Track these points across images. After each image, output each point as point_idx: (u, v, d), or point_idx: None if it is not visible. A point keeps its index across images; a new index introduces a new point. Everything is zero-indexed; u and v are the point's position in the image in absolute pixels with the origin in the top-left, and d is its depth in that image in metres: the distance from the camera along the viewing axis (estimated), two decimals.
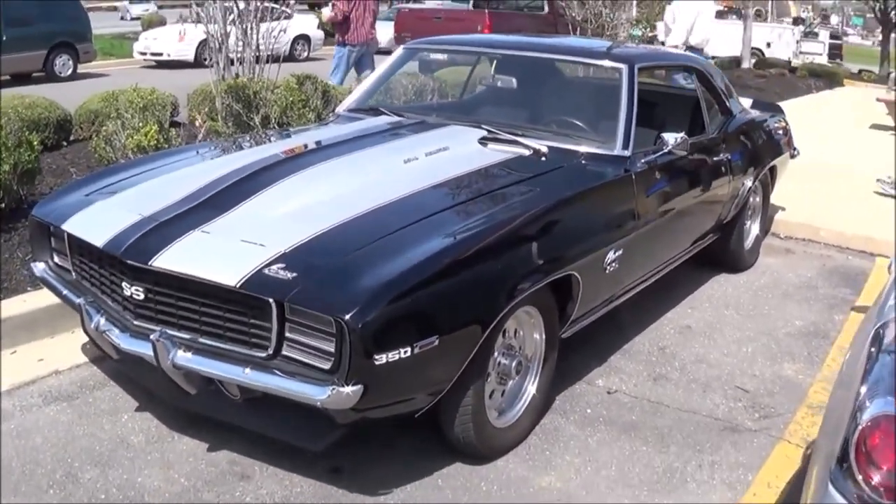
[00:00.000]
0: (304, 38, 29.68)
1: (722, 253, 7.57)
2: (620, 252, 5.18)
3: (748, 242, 7.89)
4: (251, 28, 10.70)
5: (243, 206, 4.55)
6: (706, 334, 6.36)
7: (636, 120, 5.77)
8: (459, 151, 5.54)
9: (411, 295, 3.84)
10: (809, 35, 41.55)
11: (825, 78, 25.63)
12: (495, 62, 6.99)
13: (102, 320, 4.47)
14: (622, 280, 5.49)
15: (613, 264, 5.14)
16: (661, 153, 5.69)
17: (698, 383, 5.57)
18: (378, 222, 4.38)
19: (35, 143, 7.22)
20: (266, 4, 11.15)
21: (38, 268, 5.23)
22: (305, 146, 5.73)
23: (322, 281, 3.85)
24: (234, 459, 4.50)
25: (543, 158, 5.49)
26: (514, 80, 6.78)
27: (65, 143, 9.64)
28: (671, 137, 5.66)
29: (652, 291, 6.52)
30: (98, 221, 4.67)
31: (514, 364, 4.57)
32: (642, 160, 5.62)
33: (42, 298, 5.86)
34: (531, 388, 4.80)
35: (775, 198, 8.69)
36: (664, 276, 6.54)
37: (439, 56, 9.22)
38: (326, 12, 14.14)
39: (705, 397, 5.39)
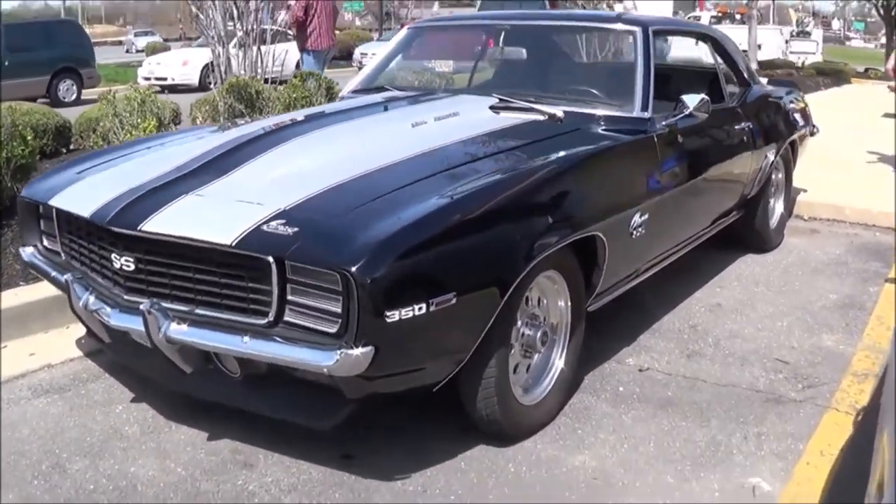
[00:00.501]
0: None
1: (747, 232, 7.25)
2: (646, 217, 4.85)
3: (773, 221, 7.57)
4: (251, 48, 10.50)
5: (240, 170, 4.22)
6: (738, 311, 6.02)
7: (653, 88, 5.42)
8: (471, 117, 5.22)
9: (424, 247, 3.48)
10: (801, 35, 41.29)
11: (832, 76, 25.44)
12: (503, 34, 6.64)
13: (91, 298, 4.13)
14: (649, 249, 5.16)
15: (640, 229, 4.80)
16: (681, 116, 5.35)
17: (735, 357, 5.23)
18: (386, 179, 4.04)
19: (29, 137, 6.93)
20: (266, 27, 10.90)
21: (27, 252, 4.91)
22: (307, 116, 5.40)
23: (326, 234, 3.49)
24: (237, 448, 4.15)
25: (559, 122, 5.15)
26: (523, 51, 6.47)
27: (64, 151, 9.33)
28: (691, 99, 5.33)
29: (678, 272, 6.27)
30: (86, 194, 4.34)
31: (538, 335, 4.21)
32: (663, 122, 5.28)
33: (35, 292, 5.61)
34: (559, 363, 4.44)
35: (797, 181, 8.38)
36: (690, 256, 6.28)
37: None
38: (283, 16, 13.75)
39: (743, 370, 5.05)
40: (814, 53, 36.14)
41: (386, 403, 3.98)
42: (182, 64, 26.46)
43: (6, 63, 21.93)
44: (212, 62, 11.05)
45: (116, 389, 4.77)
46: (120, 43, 73.81)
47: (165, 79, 26.25)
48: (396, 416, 4.35)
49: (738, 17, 39.86)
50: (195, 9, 10.86)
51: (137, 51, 55.26)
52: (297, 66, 27.33)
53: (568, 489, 3.85)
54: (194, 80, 25.72)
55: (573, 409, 4.55)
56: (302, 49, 13.70)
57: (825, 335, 5.61)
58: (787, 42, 36.98)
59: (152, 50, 39.82)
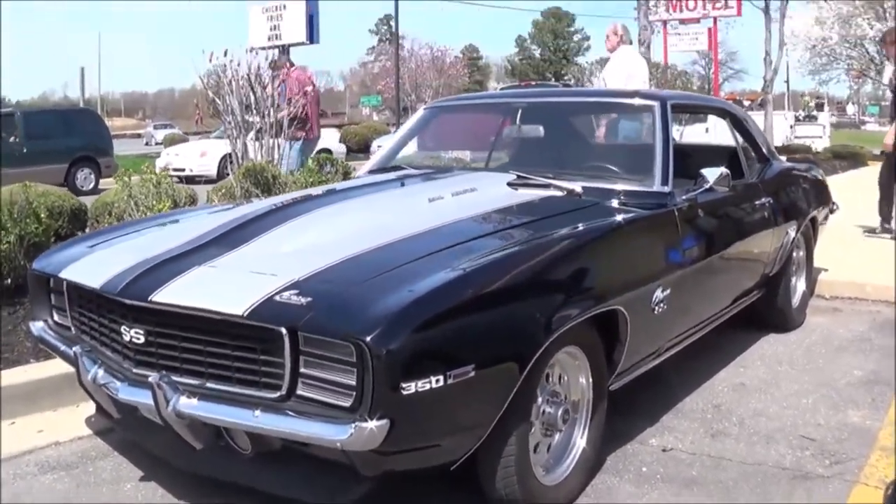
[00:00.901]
0: (326, 152, 29.61)
1: (769, 311, 7.12)
2: (668, 292, 4.74)
3: (795, 300, 7.43)
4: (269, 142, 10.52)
5: (253, 243, 4.16)
6: (762, 390, 5.87)
7: (673, 163, 5.35)
8: (489, 193, 5.14)
9: (442, 318, 3.38)
10: (808, 119, 41.28)
11: (849, 159, 25.49)
12: (520, 112, 6.59)
13: (100, 372, 4.03)
14: (671, 326, 5.05)
15: (662, 305, 4.70)
16: (701, 190, 5.28)
17: (760, 436, 5.08)
18: (403, 251, 3.96)
19: (43, 215, 6.90)
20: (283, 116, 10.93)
21: (37, 326, 4.83)
22: (322, 192, 5.34)
23: (340, 304, 3.40)
24: None
25: (579, 197, 5.09)
26: (541, 129, 6.40)
27: (79, 233, 9.30)
28: (711, 173, 5.27)
29: (700, 351, 6.15)
30: (97, 267, 4.29)
31: (560, 412, 4.09)
32: (683, 196, 5.21)
33: (45, 370, 5.53)
34: (580, 442, 4.31)
35: (817, 259, 8.26)
36: (712, 336, 6.15)
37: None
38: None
39: (769, 448, 4.89)
40: (820, 137, 36.11)
41: (402, 482, 3.85)
42: (200, 155, 26.56)
43: (24, 150, 22.11)
44: (230, 154, 11.06)
45: (125, 467, 4.65)
46: (139, 136, 74.65)
47: (183, 170, 26.28)
48: (413, 495, 4.19)
49: (746, 103, 39.91)
50: (212, 94, 10.90)
51: (157, 143, 55.83)
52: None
53: None
54: (212, 171, 25.75)
55: (595, 489, 4.39)
56: (292, 138, 13.44)
57: (851, 411, 5.46)
58: (791, 127, 37.02)
59: (171, 142, 40.16)
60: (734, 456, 4.80)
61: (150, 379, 3.69)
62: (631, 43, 11.82)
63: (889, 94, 11.81)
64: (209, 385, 3.68)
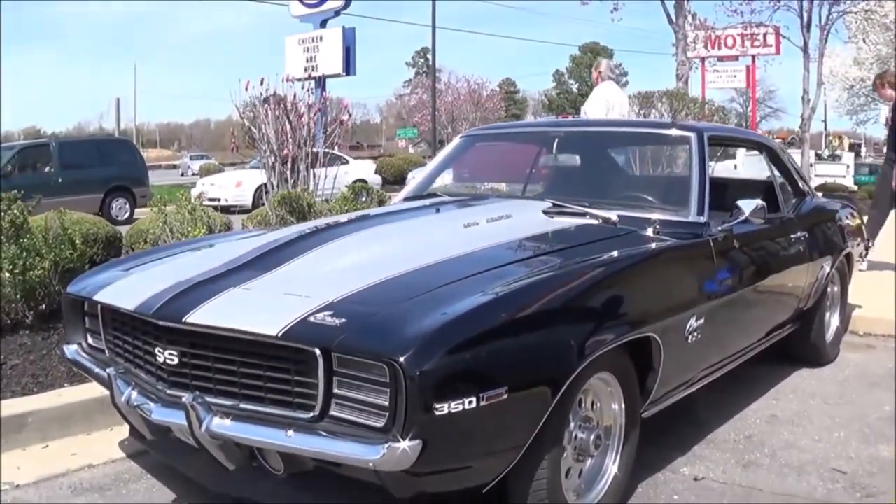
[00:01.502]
0: (362, 182, 29.59)
1: (802, 345, 7.07)
2: (702, 322, 4.73)
3: (829, 335, 7.38)
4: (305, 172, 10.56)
5: (288, 265, 4.19)
6: (794, 422, 5.83)
7: (709, 194, 5.35)
8: (524, 219, 5.16)
9: (476, 340, 3.39)
10: (832, 158, 41.00)
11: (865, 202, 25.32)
12: (557, 141, 6.59)
13: (134, 394, 4.05)
14: (704, 356, 5.03)
15: (695, 334, 4.69)
16: (737, 221, 5.27)
17: (791, 468, 5.04)
18: (437, 274, 3.97)
19: (77, 241, 6.96)
20: (317, 150, 10.95)
21: (70, 349, 4.86)
22: (357, 216, 5.37)
23: (374, 325, 3.41)
24: None
25: (614, 226, 5.09)
26: (577, 158, 6.41)
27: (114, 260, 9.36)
28: (747, 205, 5.26)
29: (733, 383, 6.17)
30: (131, 289, 4.31)
31: (592, 438, 4.07)
32: (718, 227, 5.20)
33: (78, 394, 5.56)
34: (612, 468, 4.30)
35: (851, 297, 8.19)
36: (744, 369, 6.16)
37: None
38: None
39: (800, 480, 4.86)
40: (843, 177, 35.82)
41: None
42: (235, 185, 26.61)
43: (59, 180, 22.28)
44: (265, 184, 11.10)
45: (158, 490, 4.67)
46: (175, 167, 75.16)
47: (218, 199, 26.31)
48: None
49: (777, 141, 39.75)
50: (248, 123, 10.97)
51: (193, 174, 56.13)
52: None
53: None
54: (248, 201, 25.76)
55: None
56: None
57: (882, 446, 5.41)
58: (811, 165, 36.82)
59: (206, 172, 40.35)
60: (766, 486, 4.78)
61: (183, 400, 3.70)
62: (614, 79, 12.04)
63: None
64: (242, 406, 3.69)
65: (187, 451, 4.00)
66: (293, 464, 3.69)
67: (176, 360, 3.85)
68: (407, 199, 6.46)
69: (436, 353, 3.23)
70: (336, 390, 3.44)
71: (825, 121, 66.69)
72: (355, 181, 28.07)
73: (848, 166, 38.57)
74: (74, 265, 6.79)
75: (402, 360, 3.16)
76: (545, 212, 5.31)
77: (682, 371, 4.88)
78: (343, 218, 5.46)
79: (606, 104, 11.38)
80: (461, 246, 4.41)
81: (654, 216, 5.24)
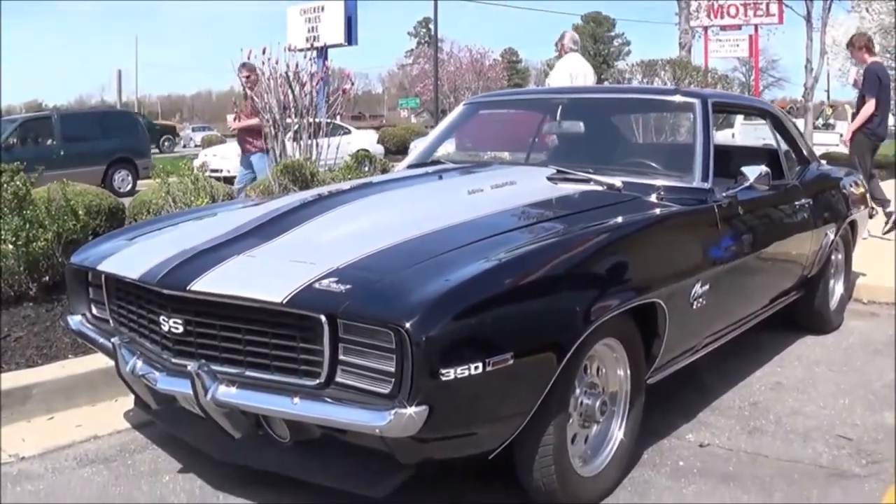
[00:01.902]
0: (364, 151, 29.34)
1: (807, 313, 7.07)
2: (707, 288, 4.72)
3: (833, 302, 7.38)
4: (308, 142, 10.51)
5: (292, 232, 4.18)
6: (799, 389, 5.84)
7: (713, 160, 5.33)
8: (528, 186, 5.14)
9: (481, 306, 3.38)
10: (825, 127, 40.80)
11: (888, 168, 25.22)
12: (561, 108, 6.56)
13: (139, 363, 4.05)
14: (709, 322, 5.02)
15: (700, 300, 4.68)
16: (742, 187, 5.25)
17: (797, 434, 5.05)
18: (442, 240, 3.96)
19: (80, 212, 6.95)
20: (319, 120, 10.88)
21: (75, 320, 4.85)
22: (361, 184, 5.35)
23: (379, 291, 3.41)
24: None
25: (619, 192, 5.07)
26: (581, 125, 6.37)
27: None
28: (752, 171, 5.24)
29: (737, 351, 6.18)
30: (135, 259, 4.30)
31: (598, 404, 4.07)
32: (723, 194, 5.18)
33: (83, 365, 5.56)
34: (618, 434, 4.29)
35: (855, 265, 8.18)
36: (749, 336, 6.14)
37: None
38: (230, 119, 13.11)
39: (806, 446, 4.87)
40: (836, 146, 35.63)
41: (441, 472, 3.84)
42: (238, 155, 26.42)
43: (62, 153, 22.22)
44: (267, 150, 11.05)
45: (164, 460, 4.67)
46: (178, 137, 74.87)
47: (220, 170, 26.16)
48: (450, 485, 4.21)
49: None
50: (250, 92, 10.93)
51: (195, 145, 55.90)
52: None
53: None
54: None
55: (633, 482, 4.38)
56: (254, 151, 12.84)
57: (887, 413, 5.40)
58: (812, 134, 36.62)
59: (208, 143, 40.19)
60: (771, 453, 4.78)
61: (188, 368, 3.70)
62: (577, 50, 12.02)
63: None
64: (248, 374, 3.68)
65: (193, 419, 4.02)
66: (299, 431, 3.70)
67: (181, 329, 3.84)
68: (410, 166, 6.44)
69: (441, 318, 3.22)
70: (342, 357, 3.43)
71: (828, 90, 66.42)
72: (358, 151, 28.00)
73: (841, 135, 38.32)
74: (77, 236, 6.77)
75: (407, 325, 3.15)
76: (549, 178, 5.29)
77: (688, 337, 4.87)
78: (346, 185, 5.44)
79: (570, 76, 11.39)
80: (465, 212, 4.40)
81: (659, 182, 5.21)
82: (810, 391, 5.82)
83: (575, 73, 11.48)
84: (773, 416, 5.34)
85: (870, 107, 10.92)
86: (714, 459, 4.70)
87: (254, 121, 11.68)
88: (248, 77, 11.83)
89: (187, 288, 3.74)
